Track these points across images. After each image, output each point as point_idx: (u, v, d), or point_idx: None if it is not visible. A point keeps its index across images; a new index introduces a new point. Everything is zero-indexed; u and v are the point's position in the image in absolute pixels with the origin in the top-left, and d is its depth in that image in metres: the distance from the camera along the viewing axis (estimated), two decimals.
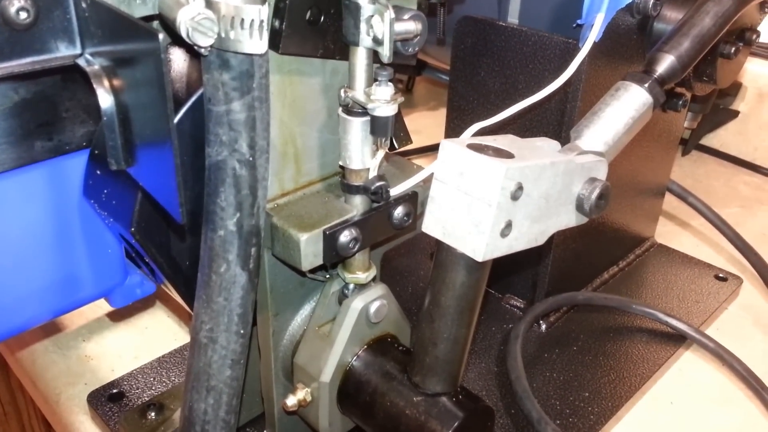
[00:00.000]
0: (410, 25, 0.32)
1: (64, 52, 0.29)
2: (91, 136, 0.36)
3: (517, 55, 0.55)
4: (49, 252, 0.37)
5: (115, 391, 0.53)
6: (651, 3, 0.51)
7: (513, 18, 0.59)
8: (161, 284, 0.42)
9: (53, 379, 0.56)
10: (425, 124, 0.96)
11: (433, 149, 0.88)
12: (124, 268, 0.41)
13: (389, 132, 0.34)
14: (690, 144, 0.91)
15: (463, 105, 0.60)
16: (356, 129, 0.35)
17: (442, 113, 1.03)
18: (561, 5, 0.55)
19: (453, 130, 0.62)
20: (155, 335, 0.61)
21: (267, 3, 0.29)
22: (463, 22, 0.57)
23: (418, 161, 0.87)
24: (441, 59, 0.78)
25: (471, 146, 0.33)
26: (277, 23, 0.32)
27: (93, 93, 0.35)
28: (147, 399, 0.53)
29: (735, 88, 0.88)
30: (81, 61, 0.30)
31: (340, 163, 0.36)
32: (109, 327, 0.62)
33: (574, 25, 0.50)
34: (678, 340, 0.59)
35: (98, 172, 0.35)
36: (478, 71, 0.58)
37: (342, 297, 0.40)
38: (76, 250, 0.39)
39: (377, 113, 0.33)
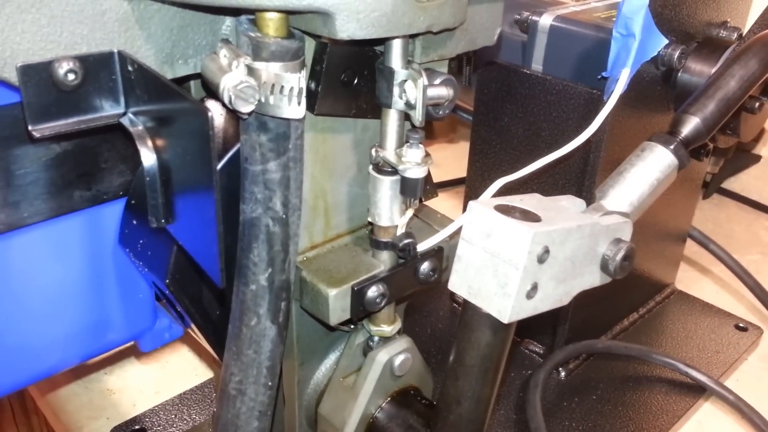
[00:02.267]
0: (442, 91, 0.33)
1: (108, 111, 0.31)
2: (127, 186, 0.37)
3: (541, 102, 0.55)
4: (82, 297, 0.38)
5: (137, 427, 0.54)
6: (676, 56, 0.52)
7: (537, 65, 0.60)
8: (188, 328, 0.43)
9: (75, 411, 0.57)
10: (443, 156, 0.96)
11: (451, 184, 0.88)
12: (154, 312, 0.42)
13: (419, 193, 0.35)
14: (711, 187, 0.91)
15: (486, 149, 0.61)
16: (386, 188, 0.35)
17: (461, 146, 1.04)
18: (585, 54, 0.56)
19: (475, 173, 0.62)
20: (176, 370, 0.62)
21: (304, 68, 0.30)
22: (488, 67, 0.58)
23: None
24: (463, 98, 0.79)
25: (498, 208, 0.34)
26: (313, 85, 0.33)
27: (130, 145, 0.36)
28: None
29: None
30: (125, 121, 0.31)
31: (369, 219, 0.37)
32: (131, 360, 0.63)
33: (599, 77, 0.51)
34: (698, 391, 0.58)
35: (134, 222, 0.36)
36: (501, 117, 0.58)
37: (367, 349, 0.40)
38: (109, 295, 0.39)
39: (408, 174, 0.34)
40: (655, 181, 0.39)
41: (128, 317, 0.41)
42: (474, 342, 0.34)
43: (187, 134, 0.28)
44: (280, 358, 0.35)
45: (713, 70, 0.53)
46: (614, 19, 0.56)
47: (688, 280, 0.74)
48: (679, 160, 0.39)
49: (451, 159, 0.93)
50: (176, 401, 0.57)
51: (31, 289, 0.36)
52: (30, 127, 0.28)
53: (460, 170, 0.77)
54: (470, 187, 0.63)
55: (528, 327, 0.62)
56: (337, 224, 0.39)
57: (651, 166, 0.39)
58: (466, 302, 0.34)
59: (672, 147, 0.39)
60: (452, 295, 0.69)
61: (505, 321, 0.33)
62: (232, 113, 0.31)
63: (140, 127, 0.30)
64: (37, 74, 0.27)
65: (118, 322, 0.41)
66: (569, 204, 0.37)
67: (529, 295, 0.33)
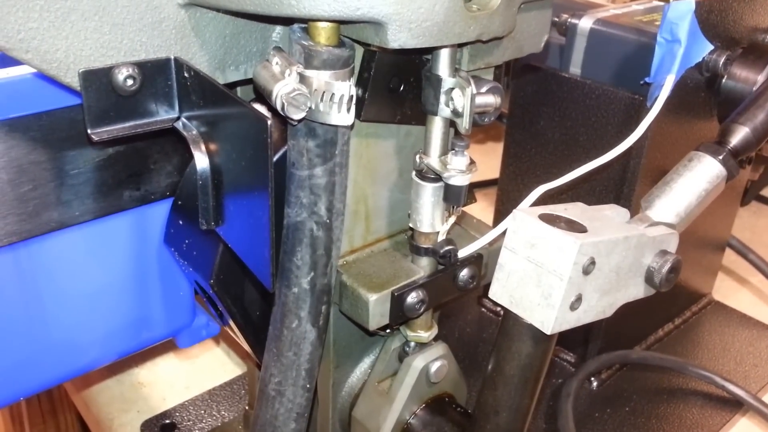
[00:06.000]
0: (489, 99, 0.33)
1: (163, 116, 0.31)
2: (174, 186, 0.38)
3: (580, 106, 0.55)
4: (126, 295, 0.39)
5: (167, 421, 0.55)
6: (721, 62, 0.51)
7: (575, 68, 0.59)
8: (225, 326, 0.43)
9: (107, 404, 0.58)
10: (477, 167, 0.95)
11: (479, 186, 0.88)
12: (193, 310, 0.43)
13: (462, 200, 0.35)
14: (750, 195, 0.89)
15: (519, 152, 0.60)
16: (428, 194, 0.35)
17: (490, 147, 1.03)
18: (626, 58, 0.55)
19: (508, 177, 0.62)
20: (205, 365, 0.63)
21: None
22: (524, 70, 0.57)
23: None
24: None
25: (543, 217, 0.33)
26: (360, 92, 0.33)
27: (179, 147, 0.37)
28: None
29: None
30: (179, 125, 0.31)
31: (410, 224, 0.37)
32: (161, 354, 0.64)
33: (642, 83, 0.50)
34: (734, 405, 0.57)
35: (180, 222, 0.37)
36: (537, 121, 0.58)
37: (402, 354, 0.40)
38: (151, 292, 0.40)
39: (452, 182, 0.34)
40: (703, 191, 0.38)
41: (168, 314, 0.42)
42: (515, 352, 0.34)
43: (244, 140, 0.28)
44: (319, 361, 0.35)
45: (759, 77, 0.52)
46: (655, 22, 0.56)
47: (725, 290, 0.72)
48: (728, 170, 0.38)
49: (479, 160, 0.92)
50: (206, 397, 0.58)
51: (77, 286, 0.37)
52: (89, 131, 0.29)
53: (488, 171, 0.77)
54: (502, 190, 0.63)
55: (560, 335, 0.62)
56: (377, 229, 0.39)
57: (699, 177, 0.38)
58: (507, 312, 0.34)
59: (721, 157, 0.38)
60: (480, 298, 0.69)
61: (548, 332, 0.33)
62: (278, 118, 0.31)
63: (194, 132, 0.31)
64: (98, 79, 0.28)
65: (159, 319, 0.42)
66: (613, 214, 0.37)
67: (573, 307, 0.33)
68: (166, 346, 0.65)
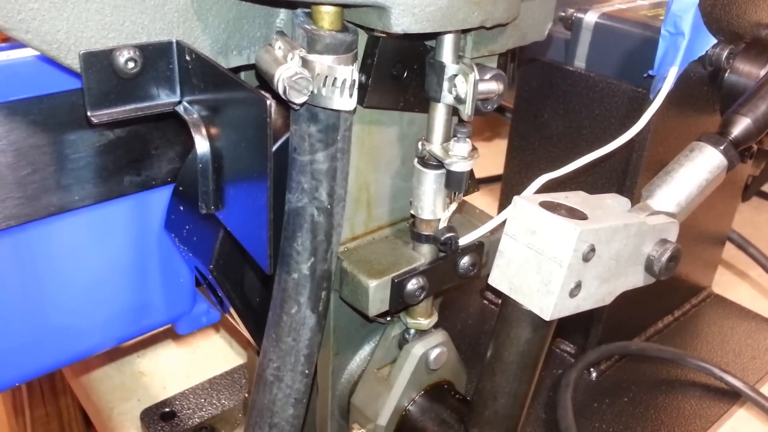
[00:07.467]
0: (492, 86, 0.33)
1: (164, 99, 0.31)
2: (175, 173, 0.38)
3: (584, 99, 0.55)
4: (126, 280, 0.39)
5: (167, 410, 0.55)
6: (724, 56, 0.51)
7: (580, 62, 0.59)
8: (226, 313, 0.44)
9: (107, 393, 0.58)
10: (480, 154, 0.95)
11: (487, 181, 0.88)
12: (193, 297, 0.43)
13: (464, 187, 0.35)
14: (751, 190, 0.89)
15: (524, 145, 0.60)
16: (430, 181, 0.35)
17: (496, 144, 1.03)
18: (631, 52, 0.55)
19: (513, 169, 0.62)
20: (206, 354, 0.63)
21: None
22: (530, 64, 0.57)
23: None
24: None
25: (544, 204, 0.33)
26: (363, 78, 0.33)
27: (180, 133, 0.37)
28: (198, 420, 0.54)
29: None
30: (180, 109, 0.31)
31: (412, 211, 0.37)
32: (162, 343, 0.64)
33: (645, 75, 0.50)
34: (732, 396, 0.57)
35: (181, 208, 0.37)
36: (541, 113, 0.58)
37: (402, 341, 0.40)
38: (151, 278, 0.40)
39: (454, 168, 0.34)
40: (704, 181, 0.38)
41: (168, 301, 0.42)
42: (513, 338, 0.34)
43: (244, 122, 0.28)
44: (318, 346, 0.36)
45: (761, 72, 0.52)
46: (660, 17, 0.56)
47: (725, 284, 0.72)
48: (729, 160, 0.38)
49: (487, 157, 0.91)
50: (206, 385, 0.58)
51: (76, 271, 0.37)
52: (89, 113, 0.29)
53: (495, 168, 0.77)
54: (507, 183, 0.63)
55: (560, 326, 0.61)
56: (379, 216, 0.39)
57: (700, 167, 0.38)
58: (506, 298, 0.34)
59: (722, 147, 0.38)
60: (482, 291, 0.69)
61: (547, 318, 0.33)
62: (282, 104, 0.31)
63: (195, 116, 0.31)
64: (99, 62, 0.28)
65: (159, 305, 0.42)
66: (614, 203, 0.37)
67: (573, 294, 0.33)
68: (167, 334, 0.65)
